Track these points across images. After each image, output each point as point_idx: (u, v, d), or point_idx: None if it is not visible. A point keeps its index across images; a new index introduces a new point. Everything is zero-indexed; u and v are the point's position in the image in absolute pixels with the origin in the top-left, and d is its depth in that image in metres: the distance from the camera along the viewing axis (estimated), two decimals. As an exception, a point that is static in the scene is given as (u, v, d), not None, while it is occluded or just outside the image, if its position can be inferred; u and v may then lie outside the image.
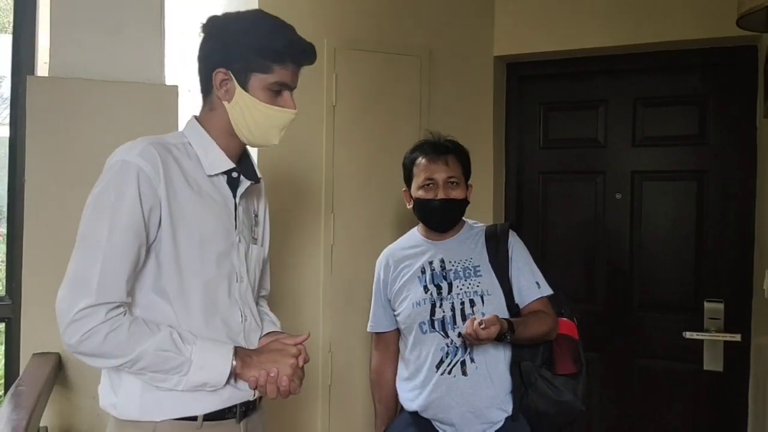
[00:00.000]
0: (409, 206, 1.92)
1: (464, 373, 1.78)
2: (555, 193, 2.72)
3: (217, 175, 1.32)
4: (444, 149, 1.87)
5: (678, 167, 2.52)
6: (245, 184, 1.36)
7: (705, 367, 2.38)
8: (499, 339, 1.67)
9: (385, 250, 1.99)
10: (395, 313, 1.92)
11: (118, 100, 1.84)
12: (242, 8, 2.18)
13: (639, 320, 2.55)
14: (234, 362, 1.24)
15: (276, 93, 1.31)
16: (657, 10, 2.36)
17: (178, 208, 1.24)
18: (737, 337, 2.31)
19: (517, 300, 1.83)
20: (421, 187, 1.86)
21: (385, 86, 2.37)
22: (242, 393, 1.29)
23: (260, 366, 1.26)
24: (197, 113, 1.37)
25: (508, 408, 1.79)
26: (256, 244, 1.42)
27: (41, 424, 1.70)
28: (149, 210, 1.20)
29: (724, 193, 2.44)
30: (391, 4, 2.39)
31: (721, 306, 2.37)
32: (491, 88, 2.59)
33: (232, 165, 1.33)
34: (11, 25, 1.95)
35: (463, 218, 1.94)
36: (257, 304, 1.47)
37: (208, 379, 1.22)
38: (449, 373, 1.79)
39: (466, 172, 1.90)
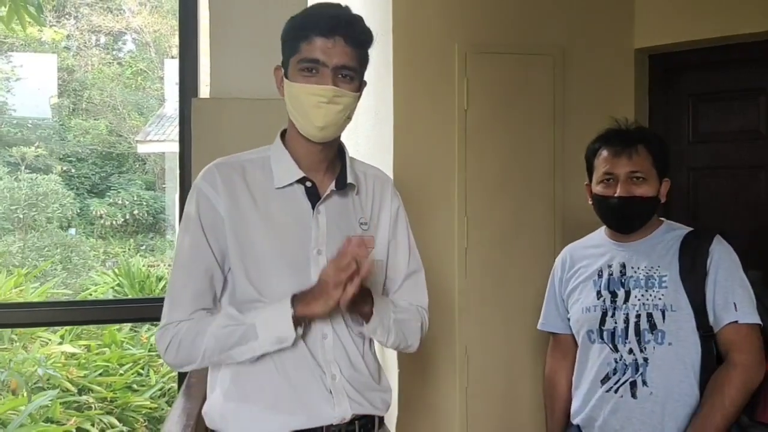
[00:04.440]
0: (590, 202, 1.71)
1: (633, 396, 1.57)
2: (708, 191, 2.51)
3: (289, 185, 1.26)
4: (630, 139, 1.62)
5: None
6: (328, 192, 1.28)
7: None
8: None
9: (567, 247, 1.83)
10: (568, 315, 1.75)
11: (273, 116, 2.00)
12: (377, 18, 2.30)
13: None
14: (293, 307, 1.16)
15: (309, 72, 1.20)
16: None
17: (243, 226, 1.23)
18: None
19: (711, 321, 1.55)
20: (600, 182, 1.64)
21: (518, 88, 2.34)
22: (322, 416, 1.21)
23: (321, 294, 1.15)
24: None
25: None
26: None
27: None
28: (211, 229, 1.22)
29: None
30: (521, 4, 2.37)
31: None
32: (632, 83, 2.46)
33: (300, 175, 1.26)
34: (177, 50, 2.19)
35: (663, 219, 1.72)
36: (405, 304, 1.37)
37: (278, 332, 1.18)
38: (615, 391, 1.59)
39: (660, 165, 1.64)
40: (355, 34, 1.22)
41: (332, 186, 1.28)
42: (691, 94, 2.53)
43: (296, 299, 1.18)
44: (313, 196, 1.27)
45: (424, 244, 2.27)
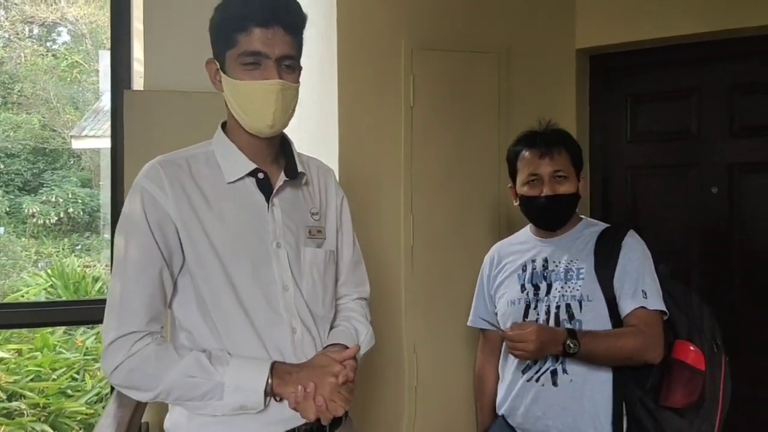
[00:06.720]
0: (516, 203, 1.79)
1: (554, 384, 1.64)
2: (645, 189, 2.59)
3: (241, 179, 1.23)
4: (550, 140, 1.71)
5: (782, 158, 2.34)
6: (280, 183, 1.26)
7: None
8: (565, 352, 1.53)
9: (495, 245, 1.91)
10: (495, 310, 1.82)
11: (209, 110, 1.93)
12: (322, 13, 2.26)
13: (742, 322, 2.38)
14: (270, 380, 1.13)
15: (252, 66, 1.16)
16: (755, -9, 2.20)
17: (196, 225, 1.18)
18: None
19: (620, 308, 1.64)
20: (525, 183, 1.72)
21: (463, 85, 2.34)
22: (292, 419, 1.19)
23: (298, 382, 1.14)
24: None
25: None
26: (314, 246, 1.29)
27: (143, 420, 1.81)
28: (159, 231, 1.15)
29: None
30: (467, 2, 2.37)
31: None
32: (573, 83, 2.51)
33: (252, 166, 1.23)
34: (109, 41, 2.09)
35: (582, 216, 1.80)
36: (348, 309, 1.40)
37: (245, 401, 1.13)
38: (537, 380, 1.66)
39: (577, 164, 1.73)
40: (293, 20, 1.19)
41: (283, 176, 1.26)
42: (629, 95, 2.61)
43: (275, 372, 1.15)
44: (266, 188, 1.24)
45: (370, 242, 2.26)
